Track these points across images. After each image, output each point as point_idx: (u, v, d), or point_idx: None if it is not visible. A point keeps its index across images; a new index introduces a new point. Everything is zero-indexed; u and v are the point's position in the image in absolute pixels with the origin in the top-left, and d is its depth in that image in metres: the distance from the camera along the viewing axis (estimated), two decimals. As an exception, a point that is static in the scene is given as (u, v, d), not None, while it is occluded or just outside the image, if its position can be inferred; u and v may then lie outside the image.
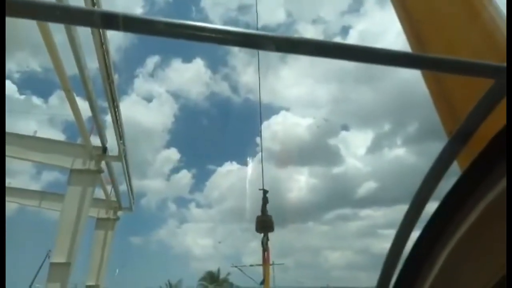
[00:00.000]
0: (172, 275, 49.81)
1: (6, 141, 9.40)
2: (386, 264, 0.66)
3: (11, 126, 12.93)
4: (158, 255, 77.69)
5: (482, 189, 0.54)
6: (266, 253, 10.87)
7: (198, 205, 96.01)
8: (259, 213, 10.56)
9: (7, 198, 13.66)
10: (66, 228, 8.69)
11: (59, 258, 8.49)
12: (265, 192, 10.36)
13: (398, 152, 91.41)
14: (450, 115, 1.14)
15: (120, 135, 10.89)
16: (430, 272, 0.60)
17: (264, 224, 10.86)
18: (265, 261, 11.22)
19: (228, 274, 48.90)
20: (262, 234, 10.41)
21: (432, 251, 0.59)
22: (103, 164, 10.59)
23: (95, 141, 10.25)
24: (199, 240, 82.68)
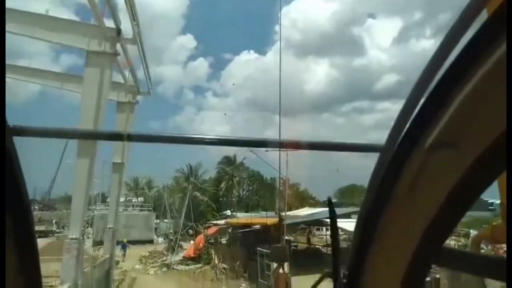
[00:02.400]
0: (192, 159, 53.00)
1: (19, 20, 9.19)
2: (400, 117, 0.69)
3: (20, 3, 12.48)
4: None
5: (500, 41, 0.53)
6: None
7: (215, 94, 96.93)
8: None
9: (29, 79, 14.01)
10: (88, 107, 9.05)
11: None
12: (280, 216, 9.21)
13: (426, 44, 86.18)
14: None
15: (133, 16, 10.48)
16: (436, 125, 0.63)
17: (279, 254, 10.02)
18: None
19: (244, 158, 52.18)
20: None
21: (445, 102, 0.61)
22: (119, 48, 10.44)
23: (109, 23, 9.93)
24: (216, 127, 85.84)
